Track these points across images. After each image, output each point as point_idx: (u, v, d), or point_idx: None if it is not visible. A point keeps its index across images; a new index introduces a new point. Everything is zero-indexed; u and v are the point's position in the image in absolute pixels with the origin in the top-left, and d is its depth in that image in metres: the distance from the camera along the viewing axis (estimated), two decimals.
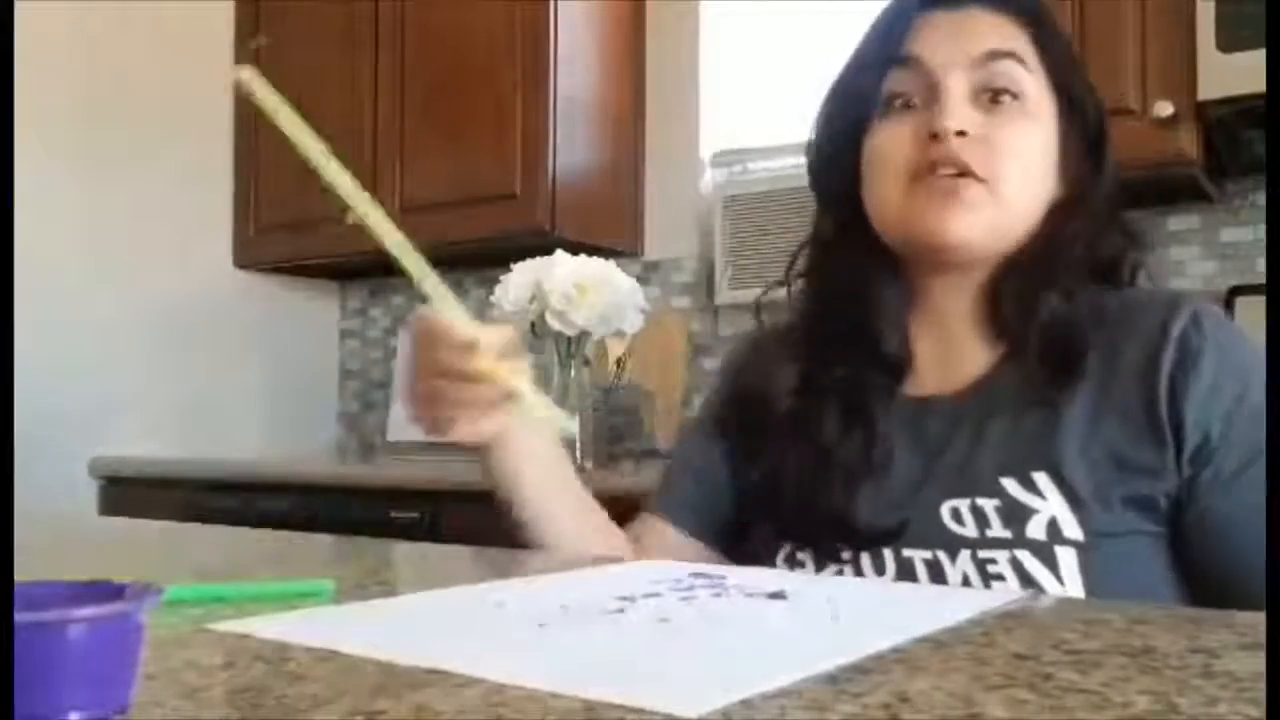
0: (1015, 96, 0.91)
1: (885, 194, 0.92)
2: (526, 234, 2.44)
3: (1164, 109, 1.76)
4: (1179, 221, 2.11)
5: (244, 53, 2.91)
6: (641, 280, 2.33)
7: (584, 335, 2.08)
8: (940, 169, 0.89)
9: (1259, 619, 0.58)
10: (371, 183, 2.60)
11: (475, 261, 2.81)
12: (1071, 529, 0.82)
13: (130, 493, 2.60)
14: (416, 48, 2.62)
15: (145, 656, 0.42)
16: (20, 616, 0.38)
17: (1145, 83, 1.80)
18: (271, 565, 0.90)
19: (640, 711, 0.41)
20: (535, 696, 0.43)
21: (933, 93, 0.91)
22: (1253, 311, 1.94)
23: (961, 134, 0.88)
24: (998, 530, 0.84)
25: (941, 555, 0.85)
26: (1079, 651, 0.52)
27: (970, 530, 0.85)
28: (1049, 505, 0.83)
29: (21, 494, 1.89)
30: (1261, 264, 2.02)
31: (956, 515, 0.86)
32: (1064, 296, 0.90)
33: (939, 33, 0.92)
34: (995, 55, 0.91)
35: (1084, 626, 0.58)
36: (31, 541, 1.03)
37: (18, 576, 0.44)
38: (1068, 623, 0.59)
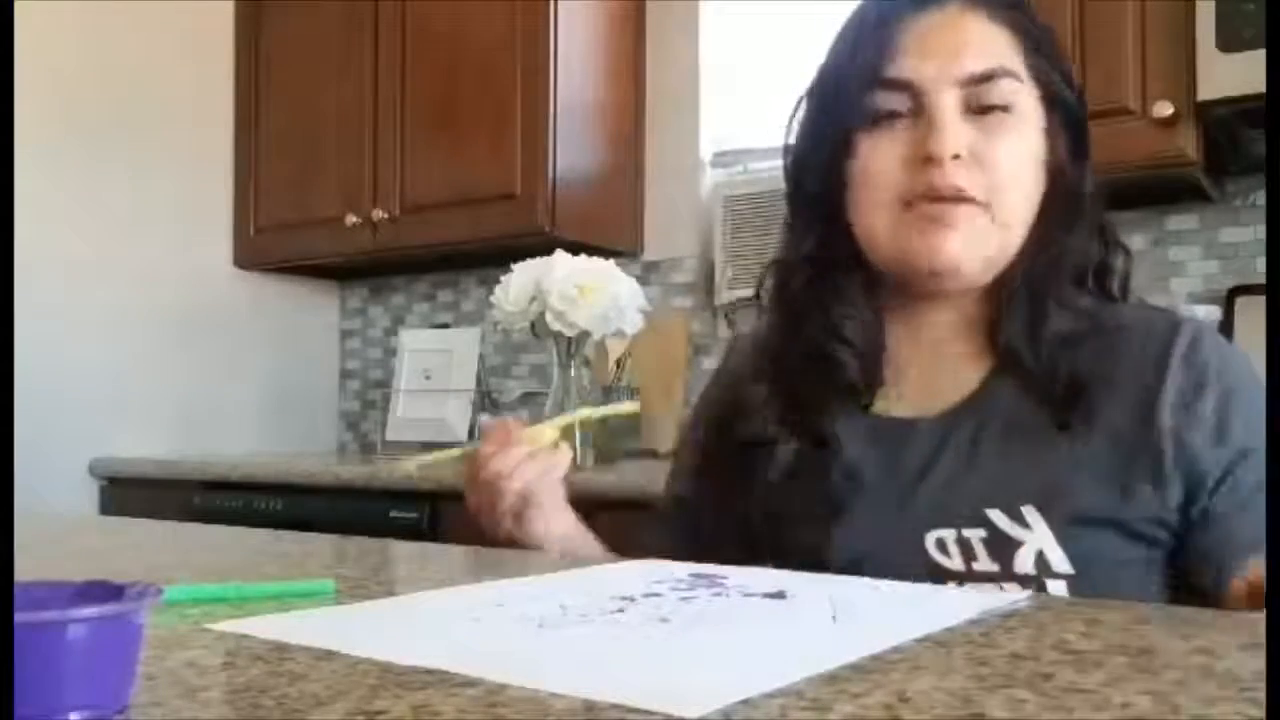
0: (1005, 110, 0.87)
1: (876, 219, 0.89)
2: (526, 234, 2.44)
3: (1164, 109, 1.76)
4: (1179, 221, 2.11)
5: (246, 56, 2.92)
6: (641, 280, 2.33)
7: (584, 335, 2.08)
8: (935, 194, 0.86)
9: (1259, 619, 0.58)
10: (372, 182, 2.60)
11: (475, 261, 2.82)
12: (1060, 562, 0.80)
13: (130, 493, 2.60)
14: (416, 48, 2.62)
15: (145, 656, 0.42)
16: (20, 616, 0.38)
17: (1145, 83, 1.80)
18: (271, 565, 0.90)
19: (640, 711, 0.41)
20: (535, 696, 0.43)
21: (922, 108, 0.87)
22: (1253, 311, 1.94)
23: (956, 157, 0.85)
24: (985, 564, 0.82)
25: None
26: (1079, 651, 0.52)
27: (956, 563, 0.83)
28: (1035, 536, 0.81)
29: (22, 494, 1.89)
30: (1261, 264, 2.02)
31: (942, 546, 0.84)
32: (1068, 312, 0.87)
33: (926, 46, 0.88)
34: (989, 76, 0.87)
35: (1084, 626, 0.58)
36: (31, 541, 1.03)
37: (18, 576, 0.44)
38: (1068, 623, 0.59)
